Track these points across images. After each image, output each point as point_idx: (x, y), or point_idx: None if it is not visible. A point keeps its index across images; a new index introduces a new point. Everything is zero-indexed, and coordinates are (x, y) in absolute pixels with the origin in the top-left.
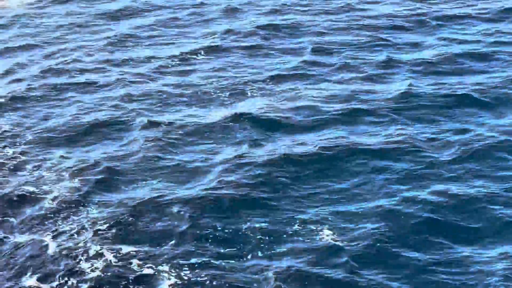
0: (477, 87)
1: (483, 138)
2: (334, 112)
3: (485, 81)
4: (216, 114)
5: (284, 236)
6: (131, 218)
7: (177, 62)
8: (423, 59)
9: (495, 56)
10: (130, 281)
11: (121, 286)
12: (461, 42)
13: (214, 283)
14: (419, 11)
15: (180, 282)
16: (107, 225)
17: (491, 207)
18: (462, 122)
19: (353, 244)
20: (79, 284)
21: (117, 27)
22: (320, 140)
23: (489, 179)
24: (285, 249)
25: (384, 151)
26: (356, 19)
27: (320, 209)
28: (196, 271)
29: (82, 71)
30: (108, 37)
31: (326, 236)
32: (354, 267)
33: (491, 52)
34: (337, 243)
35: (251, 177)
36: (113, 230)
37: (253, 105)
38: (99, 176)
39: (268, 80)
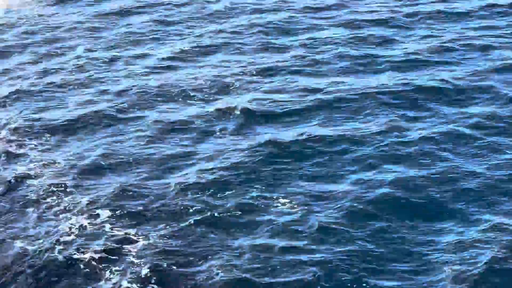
0: (448, 79)
1: (450, 125)
2: (314, 103)
3: (456, 73)
4: (202, 107)
5: (257, 211)
6: (112, 197)
7: (169, 59)
8: (401, 53)
9: (466, 50)
10: (102, 242)
11: (93, 246)
12: (436, 37)
13: (176, 248)
14: (397, 8)
15: (147, 244)
16: (89, 201)
17: (454, 187)
18: (433, 111)
19: (319, 218)
20: (55, 246)
21: (114, 26)
22: (300, 129)
23: (452, 161)
24: (256, 223)
25: (358, 138)
26: (339, 16)
27: (293, 190)
28: (162, 235)
29: (79, 68)
30: (105, 36)
31: (296, 212)
32: (318, 238)
33: (462, 47)
34: (305, 217)
35: (231, 163)
36: (94, 206)
37: (238, 99)
38: (88, 164)
39: (254, 75)
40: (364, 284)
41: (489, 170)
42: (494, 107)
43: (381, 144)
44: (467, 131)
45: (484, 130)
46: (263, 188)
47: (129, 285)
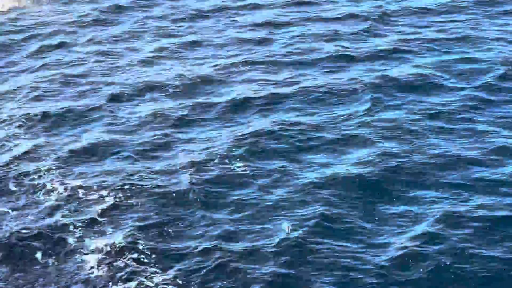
0: (415, 70)
1: (410, 114)
2: (294, 94)
3: (421, 65)
4: (187, 98)
5: (234, 188)
6: (97, 177)
7: (159, 53)
8: (374, 46)
9: (433, 43)
10: (75, 204)
11: (67, 210)
12: (406, 31)
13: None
14: (370, 4)
15: (125, 216)
16: (74, 180)
17: (408, 167)
18: (400, 100)
19: (290, 192)
20: (38, 214)
21: (112, 22)
22: (279, 117)
23: (409, 145)
24: (232, 198)
25: (330, 124)
26: (313, 12)
27: (268, 168)
28: (142, 209)
29: (75, 62)
30: (102, 31)
31: (269, 187)
32: (287, 209)
33: (429, 40)
34: (276, 191)
35: (212, 146)
36: (78, 184)
37: (220, 90)
38: (77, 149)
39: (236, 68)
40: (321, 241)
41: (443, 152)
42: (456, 95)
43: (350, 129)
44: (425, 118)
45: (441, 117)
46: (242, 168)
47: (107, 251)
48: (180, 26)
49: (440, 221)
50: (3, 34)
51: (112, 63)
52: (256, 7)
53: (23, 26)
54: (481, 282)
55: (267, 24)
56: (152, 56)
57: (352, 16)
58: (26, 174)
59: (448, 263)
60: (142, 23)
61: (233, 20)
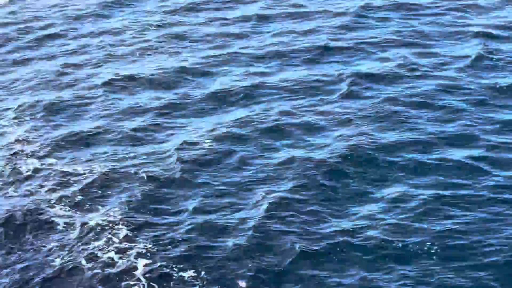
0: (388, 63)
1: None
2: (269, 87)
3: (395, 59)
4: (171, 92)
5: (216, 172)
6: (87, 164)
7: (150, 46)
8: (350, 41)
9: (406, 38)
10: (61, 184)
11: (53, 189)
12: (383, 27)
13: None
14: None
15: (94, 184)
16: (65, 166)
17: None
18: (376, 91)
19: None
20: (25, 192)
21: (104, 16)
22: (256, 108)
23: (386, 132)
24: (203, 181)
25: (310, 113)
26: (295, 7)
27: (250, 154)
28: (129, 193)
29: (70, 54)
30: (96, 25)
31: (243, 173)
32: (267, 189)
33: (406, 35)
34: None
35: (196, 133)
36: (69, 170)
37: (203, 82)
38: (69, 138)
39: (220, 61)
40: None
41: (405, 136)
42: (423, 85)
43: (320, 116)
44: (390, 106)
45: (406, 105)
46: (217, 151)
47: (86, 223)
48: (167, 20)
49: (391, 198)
50: (2, 26)
51: (102, 55)
52: (240, 2)
53: (21, 18)
54: (420, 252)
55: (250, 18)
56: (140, 48)
57: (330, 11)
58: (18, 157)
59: (392, 234)
60: (133, 17)
61: (218, 14)
